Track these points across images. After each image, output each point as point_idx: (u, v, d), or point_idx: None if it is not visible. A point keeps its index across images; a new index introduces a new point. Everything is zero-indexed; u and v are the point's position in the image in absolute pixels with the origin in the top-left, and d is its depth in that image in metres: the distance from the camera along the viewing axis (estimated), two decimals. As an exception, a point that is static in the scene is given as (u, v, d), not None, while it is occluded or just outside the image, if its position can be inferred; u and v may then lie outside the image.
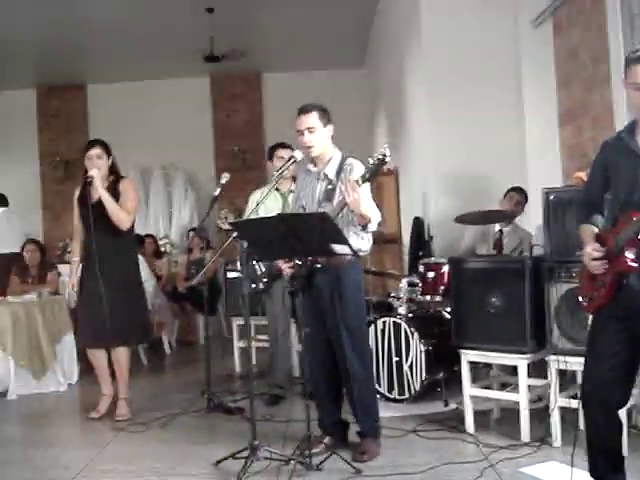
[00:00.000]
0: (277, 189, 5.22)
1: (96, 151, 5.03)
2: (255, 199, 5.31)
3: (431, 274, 5.33)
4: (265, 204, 4.70)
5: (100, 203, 4.95)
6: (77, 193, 5.16)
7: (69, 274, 5.35)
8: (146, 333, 5.37)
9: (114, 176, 5.11)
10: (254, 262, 5.02)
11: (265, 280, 5.15)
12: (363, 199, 3.72)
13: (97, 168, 4.98)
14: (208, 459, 4.09)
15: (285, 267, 4.05)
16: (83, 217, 5.07)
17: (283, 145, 5.47)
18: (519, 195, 5.80)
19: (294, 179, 5.15)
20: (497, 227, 5.67)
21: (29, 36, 9.69)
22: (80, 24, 9.33)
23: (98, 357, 5.20)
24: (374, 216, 3.85)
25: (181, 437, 4.63)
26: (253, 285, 5.04)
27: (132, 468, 4.09)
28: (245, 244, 4.03)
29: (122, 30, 9.53)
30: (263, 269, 5.12)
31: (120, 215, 4.95)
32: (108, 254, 4.96)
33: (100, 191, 4.92)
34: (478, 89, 6.31)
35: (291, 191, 5.28)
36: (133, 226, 5.20)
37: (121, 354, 5.13)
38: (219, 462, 3.99)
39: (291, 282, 3.95)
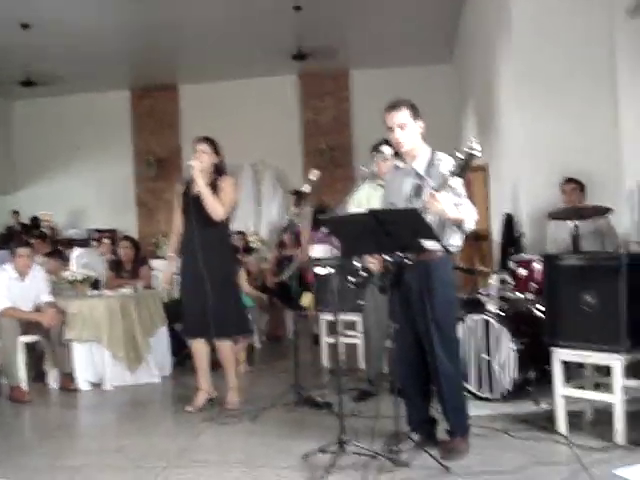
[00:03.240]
0: (381, 185, 5.19)
1: (201, 146, 5.20)
2: (364, 193, 5.26)
3: (523, 271, 5.24)
4: (369, 200, 4.72)
5: (198, 198, 5.09)
6: (181, 188, 5.33)
7: (164, 269, 5.50)
8: (246, 325, 5.46)
9: (217, 174, 5.24)
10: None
11: (362, 275, 5.13)
12: (446, 207, 3.69)
13: (199, 161, 5.14)
14: (296, 452, 4.12)
15: (373, 263, 4.06)
16: (185, 211, 5.23)
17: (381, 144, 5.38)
18: (572, 184, 5.78)
19: None
20: (570, 223, 5.58)
21: (123, 39, 10.03)
22: (171, 27, 9.60)
23: (199, 350, 5.30)
24: (467, 216, 3.82)
25: (270, 430, 4.69)
26: (352, 280, 5.00)
27: (223, 459, 4.17)
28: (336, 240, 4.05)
29: (212, 31, 9.75)
30: (360, 264, 5.11)
31: (214, 205, 5.07)
32: (208, 247, 5.09)
33: (197, 180, 5.06)
34: (571, 83, 6.18)
35: None
36: (229, 221, 5.31)
37: (224, 347, 5.25)
38: (307, 456, 4.02)
39: (381, 278, 3.95)
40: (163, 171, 12.38)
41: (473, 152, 3.61)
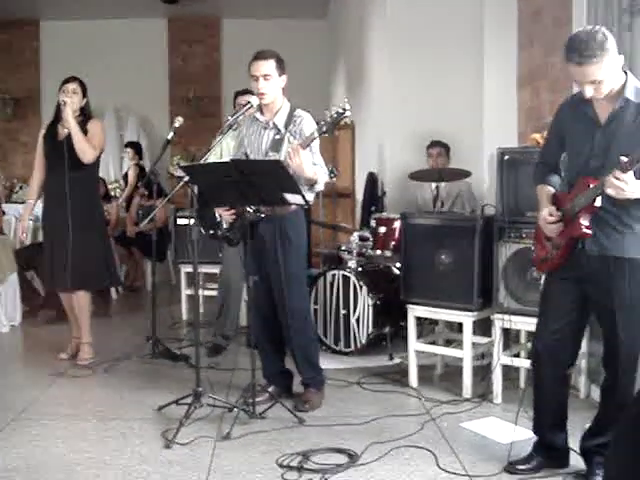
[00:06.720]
0: None
1: (72, 86, 4.95)
2: (222, 147, 5.24)
3: (382, 229, 5.34)
4: (229, 150, 4.63)
5: (67, 140, 4.87)
6: (43, 131, 5.09)
7: (20, 216, 5.22)
8: (110, 276, 5.22)
9: (84, 117, 5.00)
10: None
11: (225, 227, 5.07)
12: (306, 164, 3.72)
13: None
14: (151, 404, 4.08)
15: (226, 214, 4.04)
16: (48, 155, 4.98)
17: (244, 92, 5.36)
18: (438, 148, 5.93)
19: None
20: (433, 184, 5.74)
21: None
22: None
23: (65, 300, 5.14)
24: (321, 176, 3.88)
25: (124, 382, 4.60)
26: (211, 231, 4.94)
27: (74, 412, 4.06)
28: (196, 189, 3.96)
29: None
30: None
31: (84, 145, 4.84)
32: (70, 193, 4.87)
33: (68, 118, 4.83)
34: (440, 46, 6.26)
35: None
36: (97, 167, 5.13)
37: (80, 298, 5.04)
38: (162, 407, 3.98)
39: (230, 230, 3.95)
40: (20, 111, 11.68)
41: (345, 113, 3.63)
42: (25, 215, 5.17)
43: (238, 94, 5.45)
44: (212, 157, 4.65)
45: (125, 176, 9.80)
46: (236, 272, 5.27)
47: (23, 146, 11.34)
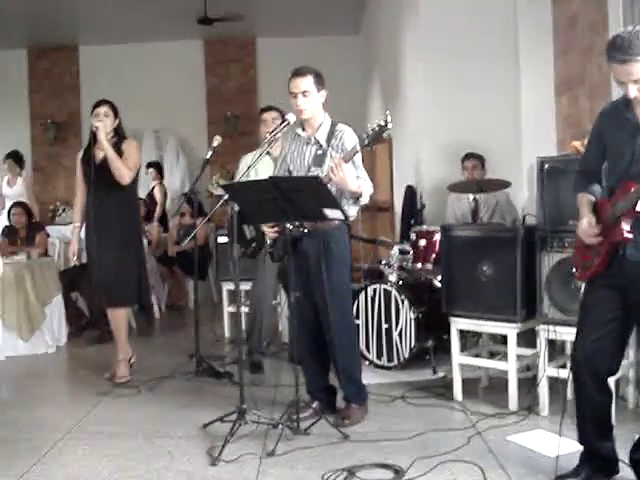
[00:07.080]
0: (268, 153, 5.15)
1: (103, 109, 5.06)
2: (246, 163, 5.27)
3: (423, 242, 5.32)
4: (256, 168, 4.64)
5: (104, 162, 4.96)
6: (81, 154, 5.19)
7: (71, 239, 5.33)
8: (138, 295, 5.26)
9: (118, 138, 5.11)
10: (243, 226, 4.97)
11: (254, 245, 5.09)
12: (349, 177, 3.72)
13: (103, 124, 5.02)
14: (196, 422, 4.08)
15: (269, 231, 4.05)
16: (87, 178, 5.07)
17: (267, 109, 5.39)
18: (473, 160, 5.89)
19: None
20: (471, 196, 5.68)
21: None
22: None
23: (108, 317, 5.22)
24: (365, 189, 3.87)
25: (169, 400, 4.62)
26: (241, 249, 4.97)
27: (119, 430, 4.08)
28: (236, 207, 3.98)
29: (115, -9, 9.40)
30: (253, 233, 5.08)
31: (120, 167, 4.93)
32: (108, 214, 4.98)
33: (103, 142, 4.93)
34: (474, 57, 6.24)
35: None
36: (136, 187, 5.24)
37: (115, 314, 5.11)
38: (207, 425, 3.99)
39: (273, 246, 3.97)
40: (61, 135, 11.93)
41: (387, 125, 3.63)
42: (74, 239, 5.26)
43: (263, 111, 5.47)
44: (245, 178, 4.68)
45: (149, 196, 9.91)
46: (265, 288, 5.28)
47: (65, 169, 11.53)
